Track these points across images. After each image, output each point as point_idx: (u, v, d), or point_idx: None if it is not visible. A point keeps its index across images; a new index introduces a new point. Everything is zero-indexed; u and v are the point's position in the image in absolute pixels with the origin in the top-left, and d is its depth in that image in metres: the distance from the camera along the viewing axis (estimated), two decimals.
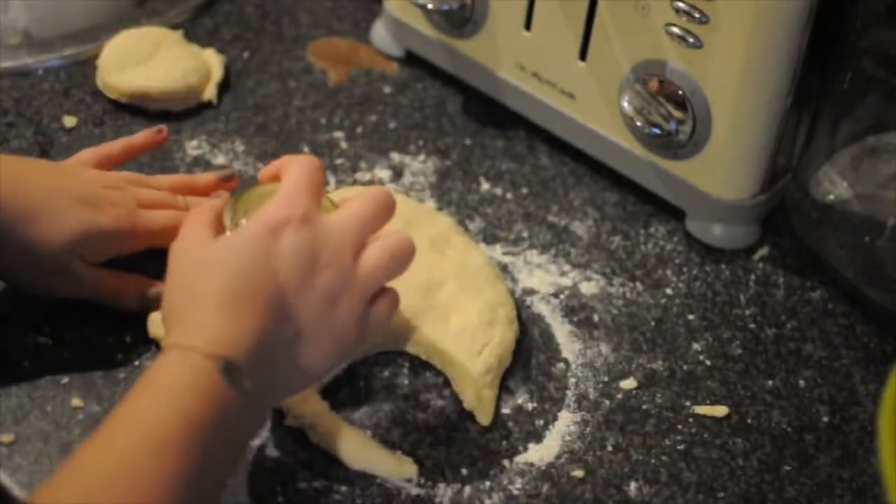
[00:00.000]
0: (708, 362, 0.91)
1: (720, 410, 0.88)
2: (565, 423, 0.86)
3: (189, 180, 0.92)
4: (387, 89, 1.07)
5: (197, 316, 0.72)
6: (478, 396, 0.85)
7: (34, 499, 0.66)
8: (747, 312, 0.94)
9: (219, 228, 0.77)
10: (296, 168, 0.77)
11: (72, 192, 0.84)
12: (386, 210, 0.78)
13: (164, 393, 0.69)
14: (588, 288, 0.94)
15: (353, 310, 0.76)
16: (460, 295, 0.89)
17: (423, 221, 0.92)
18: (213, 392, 0.69)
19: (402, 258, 0.78)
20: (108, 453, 0.67)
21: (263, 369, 0.72)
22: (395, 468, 0.82)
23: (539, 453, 0.85)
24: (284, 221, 0.74)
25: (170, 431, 0.67)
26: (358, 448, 0.82)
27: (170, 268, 0.75)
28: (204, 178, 0.92)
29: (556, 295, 0.94)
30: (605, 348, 0.91)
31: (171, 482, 0.66)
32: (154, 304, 0.86)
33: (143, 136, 0.92)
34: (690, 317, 0.94)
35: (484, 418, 0.85)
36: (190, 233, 0.76)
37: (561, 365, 0.90)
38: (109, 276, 0.86)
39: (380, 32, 1.10)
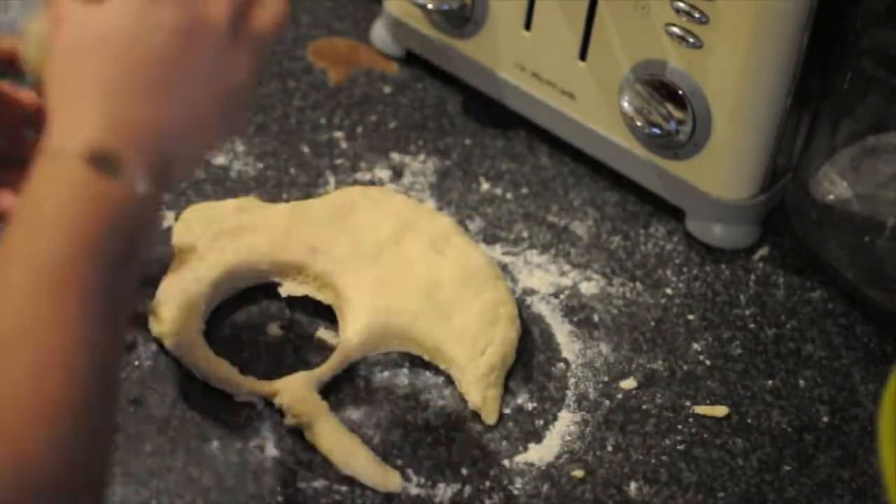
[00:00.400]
0: (708, 362, 0.91)
1: (720, 410, 0.88)
2: (565, 423, 0.86)
3: None
4: (387, 89, 1.07)
5: (74, 107, 0.62)
6: (482, 396, 0.85)
7: None
8: (747, 312, 0.94)
9: None
10: None
11: None
12: None
13: (47, 216, 0.60)
14: (588, 288, 0.94)
15: (242, 63, 0.67)
16: (461, 295, 0.89)
17: (422, 221, 0.92)
18: (99, 196, 0.60)
19: (287, 22, 0.71)
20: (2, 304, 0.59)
21: (149, 153, 0.62)
22: (381, 479, 0.82)
23: (539, 453, 0.85)
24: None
25: (66, 265, 0.59)
26: (347, 453, 0.82)
27: (53, 45, 0.65)
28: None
29: (556, 295, 0.94)
30: (605, 348, 0.91)
31: (75, 318, 0.59)
32: None
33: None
34: (690, 317, 0.94)
35: (490, 417, 0.85)
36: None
37: (561, 365, 0.90)
38: None
39: (380, 32, 1.10)
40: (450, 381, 0.88)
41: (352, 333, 0.87)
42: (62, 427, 0.58)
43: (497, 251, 0.96)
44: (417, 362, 0.88)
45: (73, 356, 0.59)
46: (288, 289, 0.90)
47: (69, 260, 0.59)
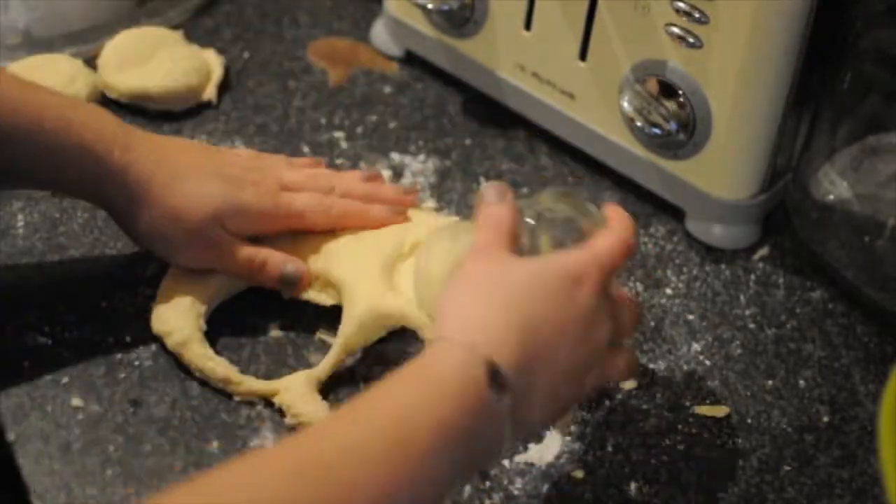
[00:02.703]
0: (708, 362, 0.91)
1: (720, 410, 0.88)
2: (565, 423, 0.86)
3: (289, 162, 0.93)
4: (387, 89, 1.07)
5: (484, 319, 0.71)
6: None
7: (283, 449, 0.66)
8: (747, 312, 0.94)
9: (511, 241, 0.76)
10: (618, 227, 0.78)
11: (215, 169, 0.87)
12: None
13: (426, 384, 0.68)
14: None
15: (598, 377, 0.77)
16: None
17: (423, 224, 0.92)
18: (474, 394, 0.68)
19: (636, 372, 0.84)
20: (352, 427, 0.66)
21: (525, 393, 0.71)
22: None
23: (539, 453, 0.85)
24: (587, 276, 0.75)
25: (419, 428, 0.66)
26: None
27: (465, 266, 0.75)
28: (299, 161, 0.94)
29: None
30: None
31: (404, 477, 0.65)
32: (291, 280, 0.87)
33: (304, 162, 0.95)
34: (690, 317, 0.94)
35: None
36: (490, 237, 0.76)
37: None
38: (249, 248, 0.87)
39: (380, 32, 1.10)
40: None
41: (349, 321, 0.86)
42: None
43: None
44: None
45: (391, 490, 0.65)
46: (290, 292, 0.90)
47: (425, 424, 0.66)
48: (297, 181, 0.90)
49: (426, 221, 0.92)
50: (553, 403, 0.74)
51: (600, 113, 0.98)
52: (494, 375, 0.69)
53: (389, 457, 0.65)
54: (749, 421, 0.88)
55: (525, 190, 1.00)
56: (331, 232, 0.91)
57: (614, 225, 0.78)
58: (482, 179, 1.01)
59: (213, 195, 0.85)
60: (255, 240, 0.88)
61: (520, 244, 0.77)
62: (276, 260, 0.87)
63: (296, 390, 0.84)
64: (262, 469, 0.64)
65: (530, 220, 0.79)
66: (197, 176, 0.86)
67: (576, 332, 0.74)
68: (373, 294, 0.87)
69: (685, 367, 0.90)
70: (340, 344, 0.86)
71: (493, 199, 0.78)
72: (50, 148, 0.82)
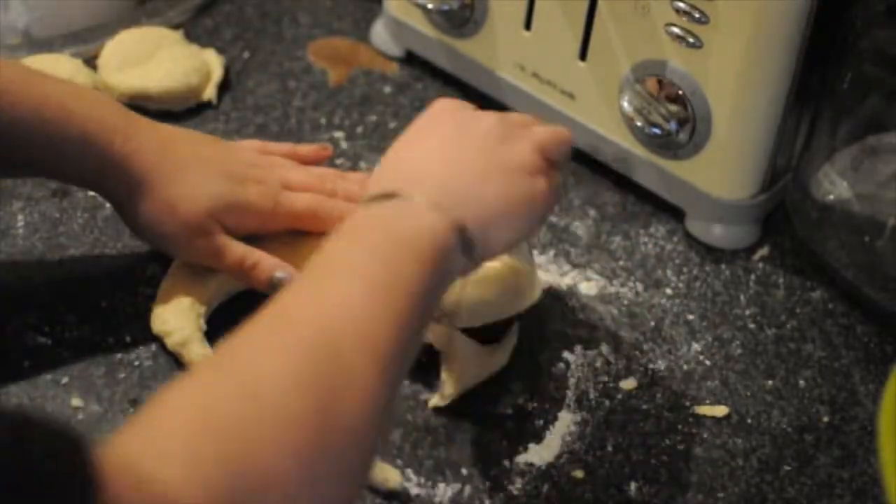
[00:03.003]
0: (708, 362, 0.91)
1: (720, 410, 0.88)
2: (565, 423, 0.86)
3: (293, 150, 0.94)
4: (387, 89, 1.07)
5: (451, 183, 0.73)
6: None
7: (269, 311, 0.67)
8: (747, 312, 0.94)
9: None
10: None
11: (219, 164, 0.87)
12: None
13: (407, 242, 0.69)
14: (588, 288, 0.94)
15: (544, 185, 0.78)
16: None
17: None
18: (445, 256, 0.70)
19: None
20: (351, 277, 0.67)
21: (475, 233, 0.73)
22: (380, 479, 0.81)
23: (539, 453, 0.85)
24: (527, 135, 0.78)
25: (413, 285, 0.68)
26: None
27: (422, 120, 0.79)
28: (305, 148, 0.94)
29: (555, 295, 0.94)
30: (605, 348, 0.91)
31: (396, 326, 0.66)
32: (280, 286, 0.86)
33: (309, 149, 0.94)
34: (690, 317, 0.94)
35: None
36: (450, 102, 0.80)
37: (561, 365, 0.90)
38: (243, 248, 0.87)
39: (380, 32, 1.10)
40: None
41: None
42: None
43: None
44: (417, 362, 0.88)
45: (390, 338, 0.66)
46: None
47: (412, 275, 0.68)
48: (302, 182, 0.90)
49: None
50: (508, 226, 0.76)
51: (600, 113, 0.98)
52: (464, 240, 0.71)
53: (376, 311, 0.66)
54: (749, 421, 0.88)
55: None
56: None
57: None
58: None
59: (213, 190, 0.85)
60: (256, 238, 0.88)
61: None
62: (268, 264, 0.87)
63: None
64: (279, 335, 0.66)
65: None
66: (199, 169, 0.86)
67: (508, 181, 0.76)
68: None
69: (685, 367, 0.90)
70: None
71: None
72: (51, 137, 0.82)
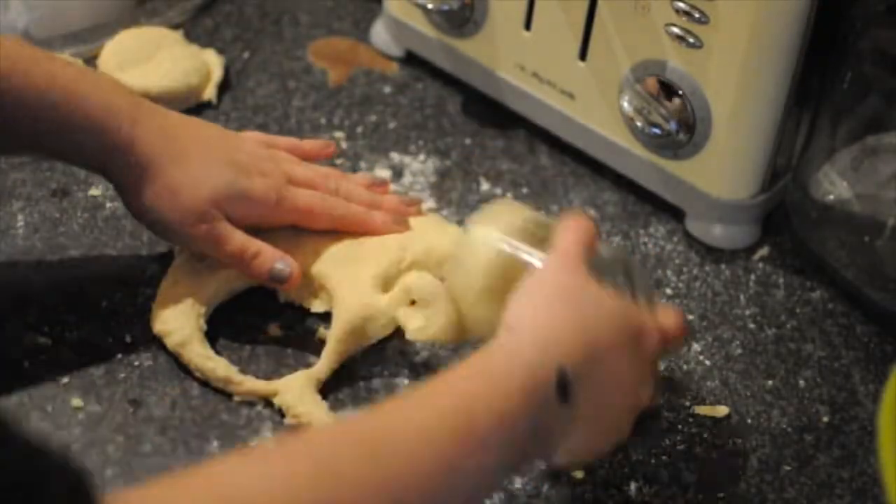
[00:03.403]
0: (708, 362, 0.91)
1: (720, 410, 0.88)
2: None
3: (297, 145, 0.93)
4: (387, 89, 1.07)
5: (554, 326, 0.71)
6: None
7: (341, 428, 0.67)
8: (747, 312, 0.94)
9: (589, 254, 0.77)
10: (676, 314, 0.79)
11: (225, 153, 0.86)
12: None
13: (493, 382, 0.68)
14: None
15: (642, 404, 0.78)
16: None
17: (429, 230, 0.92)
18: (541, 395, 0.69)
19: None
20: (416, 411, 0.66)
21: (583, 402, 0.71)
22: None
23: None
24: (650, 337, 0.76)
25: (481, 424, 0.66)
26: None
27: (542, 271, 0.76)
28: (309, 143, 0.94)
29: None
30: None
31: (459, 462, 0.65)
32: (280, 278, 0.87)
33: (314, 145, 0.94)
34: (690, 317, 0.93)
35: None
36: (570, 245, 0.76)
37: None
38: (244, 237, 0.86)
39: (380, 32, 1.10)
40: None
41: (338, 325, 0.86)
42: None
43: None
44: (417, 362, 0.88)
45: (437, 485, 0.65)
46: (286, 294, 0.90)
47: (487, 420, 0.67)
48: (306, 178, 0.90)
49: (426, 237, 0.92)
50: (595, 427, 0.74)
51: (600, 113, 0.98)
52: (561, 380, 0.69)
53: (449, 439, 0.65)
54: (749, 421, 0.88)
55: (525, 191, 1.00)
56: (333, 236, 0.91)
57: (675, 312, 0.80)
58: (482, 179, 1.01)
59: (218, 177, 0.85)
60: (255, 233, 0.88)
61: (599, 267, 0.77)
62: (269, 255, 0.87)
63: (296, 390, 0.84)
64: (330, 442, 0.65)
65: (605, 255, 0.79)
66: (205, 157, 0.85)
67: (629, 376, 0.74)
68: (361, 298, 0.87)
69: (685, 367, 0.90)
70: (332, 347, 0.86)
71: (576, 216, 0.79)
72: (56, 119, 0.82)
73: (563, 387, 0.69)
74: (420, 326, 0.85)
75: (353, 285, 0.87)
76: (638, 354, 0.75)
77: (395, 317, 0.87)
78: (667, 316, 0.78)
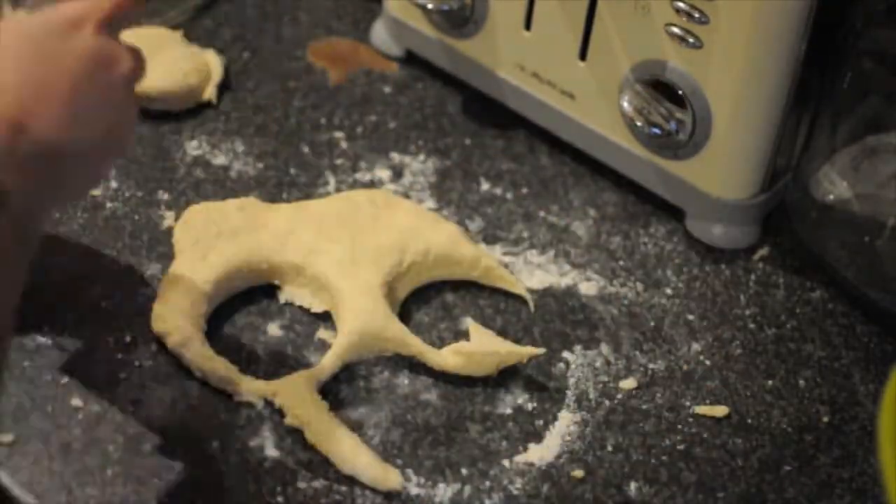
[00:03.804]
0: (708, 362, 0.91)
1: (720, 410, 0.88)
2: (565, 423, 0.86)
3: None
4: (387, 89, 1.07)
5: None
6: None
7: None
8: (747, 312, 0.94)
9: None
10: None
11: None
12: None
13: None
14: (588, 288, 0.94)
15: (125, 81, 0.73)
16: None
17: (427, 230, 0.92)
18: None
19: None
20: None
21: (41, 175, 0.67)
22: (381, 479, 0.81)
23: (539, 453, 0.85)
24: (86, 18, 0.70)
25: None
26: (347, 453, 0.82)
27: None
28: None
29: (556, 295, 0.94)
30: (605, 348, 0.91)
31: None
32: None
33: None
34: (690, 317, 0.94)
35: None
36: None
37: (561, 365, 0.90)
38: None
39: (380, 32, 1.10)
40: (449, 381, 0.88)
41: (347, 335, 0.87)
42: None
43: (497, 251, 0.96)
44: (417, 362, 0.88)
45: None
46: (286, 294, 0.90)
47: None
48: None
49: (431, 230, 0.92)
50: (93, 157, 0.71)
51: (600, 113, 0.98)
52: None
53: None
54: (749, 421, 0.88)
55: (525, 190, 1.00)
56: (329, 234, 0.91)
57: None
58: (482, 179, 1.01)
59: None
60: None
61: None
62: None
63: (296, 390, 0.84)
64: None
65: None
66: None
67: (84, 76, 0.69)
68: (374, 315, 0.87)
69: (685, 367, 0.90)
70: (337, 353, 0.86)
71: None
72: None
73: None
74: (458, 363, 0.87)
75: (361, 294, 0.88)
76: (78, 51, 0.69)
77: (405, 342, 0.88)
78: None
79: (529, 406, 0.87)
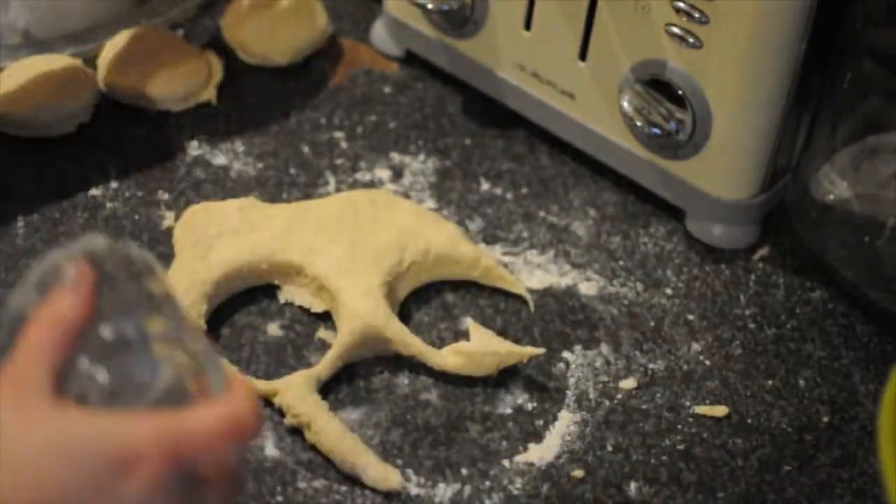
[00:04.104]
0: (708, 362, 0.91)
1: (720, 410, 0.88)
2: (565, 423, 0.86)
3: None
4: (387, 89, 1.07)
5: None
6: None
7: None
8: (747, 312, 0.94)
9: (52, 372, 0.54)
10: (231, 400, 0.56)
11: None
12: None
13: None
14: (588, 288, 0.94)
15: None
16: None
17: (427, 230, 0.92)
18: None
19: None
20: None
21: None
22: (381, 479, 0.82)
23: (539, 453, 0.85)
24: (143, 462, 0.52)
25: None
26: (347, 453, 0.82)
27: None
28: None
29: (555, 295, 0.94)
30: (605, 348, 0.91)
31: None
32: None
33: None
34: (690, 317, 0.94)
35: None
36: (19, 368, 0.53)
37: (561, 365, 0.90)
38: None
39: (380, 32, 1.10)
40: (449, 381, 0.88)
41: (347, 335, 0.87)
42: None
43: (497, 251, 0.96)
44: (417, 362, 0.88)
45: None
46: (286, 294, 0.90)
47: None
48: None
49: (431, 230, 0.92)
50: None
51: (600, 113, 0.98)
52: None
53: None
54: (749, 421, 0.88)
55: (525, 191, 1.00)
56: (327, 233, 0.91)
57: (229, 397, 0.56)
58: (482, 179, 1.01)
59: None
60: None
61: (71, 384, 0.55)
62: None
63: (296, 390, 0.84)
64: None
65: (91, 364, 0.55)
66: None
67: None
68: (374, 315, 0.87)
69: (685, 367, 0.90)
70: (337, 353, 0.86)
71: (68, 287, 0.55)
72: None
73: None
74: (458, 363, 0.87)
75: (361, 294, 0.88)
76: (121, 489, 0.52)
77: (405, 342, 0.88)
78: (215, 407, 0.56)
79: (529, 406, 0.87)
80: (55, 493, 0.51)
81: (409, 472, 0.83)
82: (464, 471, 0.83)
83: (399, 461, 0.83)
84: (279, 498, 0.81)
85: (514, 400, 0.87)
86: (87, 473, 0.51)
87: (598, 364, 0.90)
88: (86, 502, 0.51)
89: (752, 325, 0.93)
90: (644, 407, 0.88)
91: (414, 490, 0.82)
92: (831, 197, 0.96)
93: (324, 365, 0.86)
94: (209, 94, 1.04)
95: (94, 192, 0.97)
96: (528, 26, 0.99)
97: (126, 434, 0.52)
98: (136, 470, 0.52)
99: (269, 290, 0.91)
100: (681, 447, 0.86)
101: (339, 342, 0.87)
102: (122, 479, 0.52)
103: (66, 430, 0.52)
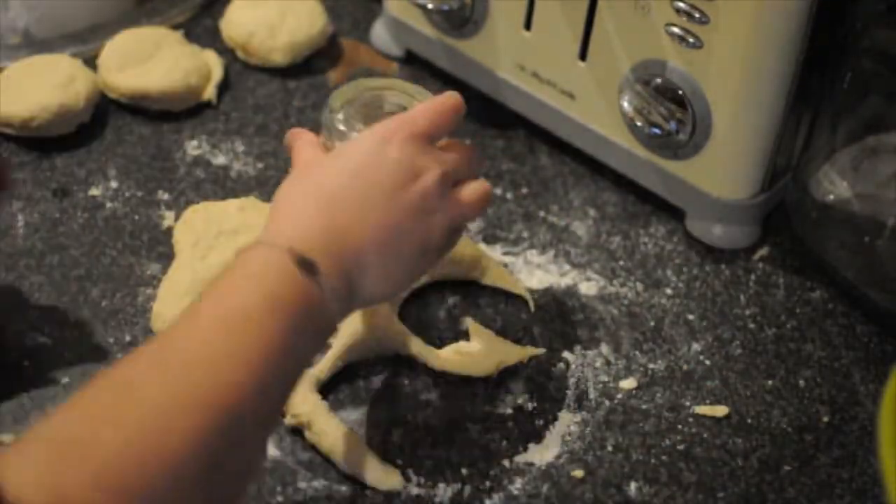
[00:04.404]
0: (708, 362, 0.91)
1: (720, 410, 0.88)
2: (565, 423, 0.86)
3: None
4: None
5: (291, 215, 0.73)
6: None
7: (115, 369, 0.65)
8: (747, 312, 0.94)
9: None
10: (437, 97, 0.80)
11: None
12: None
13: (248, 278, 0.69)
14: (588, 288, 0.94)
15: (443, 223, 0.77)
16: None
17: None
18: (295, 283, 0.69)
19: (488, 201, 0.82)
20: (190, 334, 0.66)
21: (348, 269, 0.72)
22: (381, 479, 0.82)
23: (539, 453, 0.85)
24: (394, 133, 0.76)
25: (253, 310, 0.67)
26: (348, 453, 0.82)
27: (291, 176, 0.77)
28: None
29: (555, 295, 0.94)
30: (605, 348, 0.91)
31: (252, 363, 0.65)
32: None
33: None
34: (690, 317, 0.94)
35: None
36: (306, 150, 0.79)
37: (561, 365, 0.90)
38: None
39: (380, 32, 1.10)
40: (449, 381, 0.88)
41: (347, 335, 0.87)
42: (184, 466, 0.62)
43: (497, 251, 0.96)
44: (417, 362, 0.88)
45: (245, 379, 0.65)
46: None
47: (256, 306, 0.67)
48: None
49: None
50: (388, 270, 0.75)
51: (600, 113, 0.98)
52: (300, 261, 0.70)
53: (230, 356, 0.65)
54: (749, 421, 0.88)
55: (525, 190, 1.00)
56: None
57: (435, 97, 0.81)
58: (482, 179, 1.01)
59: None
60: None
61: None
62: None
63: (296, 390, 0.84)
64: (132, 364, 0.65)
65: (343, 128, 0.80)
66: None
67: (391, 188, 0.75)
68: (374, 315, 0.87)
69: (685, 367, 0.90)
70: (337, 353, 0.86)
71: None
72: None
73: (303, 264, 0.70)
74: (458, 363, 0.87)
75: None
76: (409, 197, 0.75)
77: (407, 344, 0.88)
78: (452, 149, 0.80)
79: (529, 406, 0.87)
80: (350, 183, 0.75)
81: (410, 472, 0.83)
82: (464, 471, 0.83)
83: (399, 461, 0.83)
84: (279, 498, 0.81)
85: (514, 400, 0.87)
86: (363, 158, 0.76)
87: (598, 364, 0.90)
88: (368, 172, 0.75)
89: (752, 325, 0.93)
90: (644, 407, 0.88)
91: (414, 490, 0.82)
92: (831, 197, 0.96)
93: (324, 365, 0.86)
94: (209, 94, 1.04)
95: (94, 192, 0.97)
96: (528, 26, 0.99)
97: (379, 126, 0.77)
98: (391, 139, 0.76)
99: None
100: (681, 447, 0.86)
101: (339, 342, 0.87)
102: (385, 147, 0.76)
103: (344, 149, 0.77)
